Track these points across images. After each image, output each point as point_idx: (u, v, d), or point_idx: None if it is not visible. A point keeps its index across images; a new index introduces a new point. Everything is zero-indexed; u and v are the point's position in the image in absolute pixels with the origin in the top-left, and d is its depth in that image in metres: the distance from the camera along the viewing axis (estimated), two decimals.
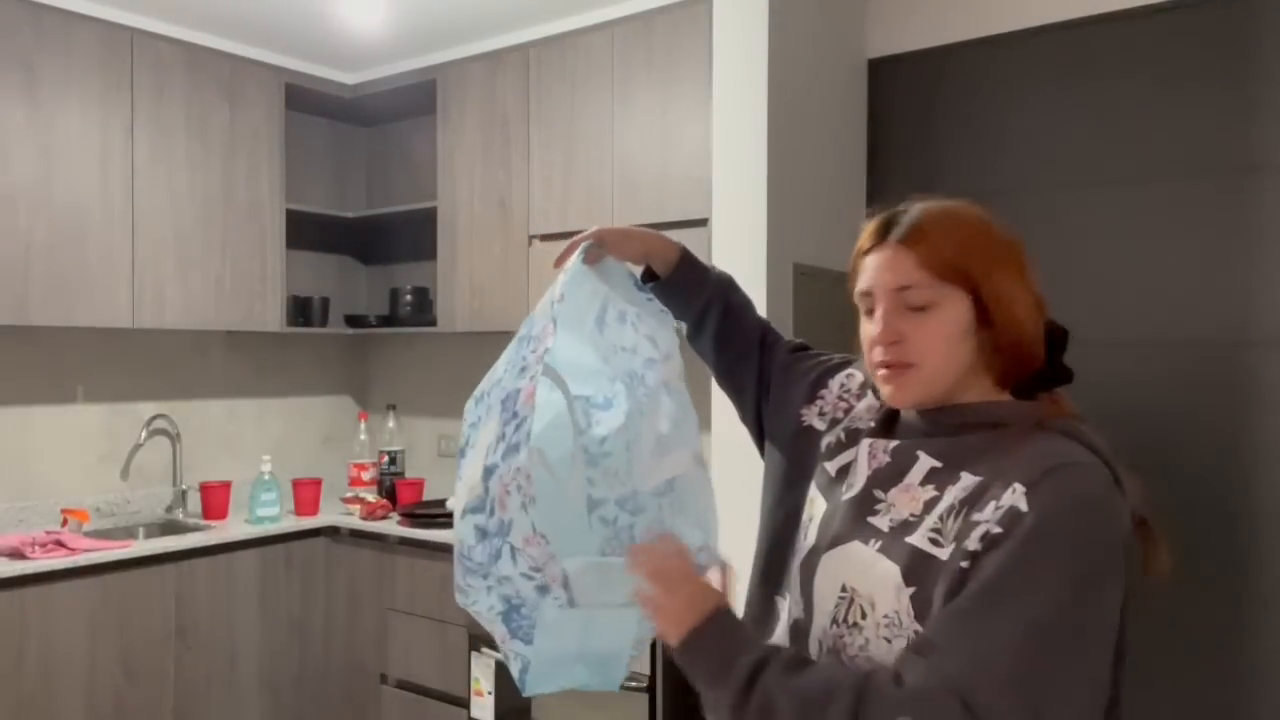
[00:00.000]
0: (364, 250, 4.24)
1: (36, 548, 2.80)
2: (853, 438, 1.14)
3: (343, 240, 4.14)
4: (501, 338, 4.43)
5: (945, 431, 1.04)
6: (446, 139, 3.54)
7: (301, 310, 3.79)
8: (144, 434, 3.46)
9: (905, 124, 2.66)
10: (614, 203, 3.08)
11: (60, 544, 2.88)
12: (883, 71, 2.69)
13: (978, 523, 0.93)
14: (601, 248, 1.25)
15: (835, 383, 1.23)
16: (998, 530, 0.91)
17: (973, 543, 0.92)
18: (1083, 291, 2.39)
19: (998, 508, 0.93)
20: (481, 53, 3.45)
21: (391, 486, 3.67)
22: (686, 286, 1.32)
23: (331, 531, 3.46)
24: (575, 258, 1.21)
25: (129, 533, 3.29)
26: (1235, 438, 2.22)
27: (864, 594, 0.99)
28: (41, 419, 3.25)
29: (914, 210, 1.07)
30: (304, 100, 3.77)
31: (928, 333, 1.01)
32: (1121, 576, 0.92)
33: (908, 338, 1.02)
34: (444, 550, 3.14)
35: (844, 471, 1.12)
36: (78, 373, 3.34)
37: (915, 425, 1.08)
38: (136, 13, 3.17)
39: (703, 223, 2.84)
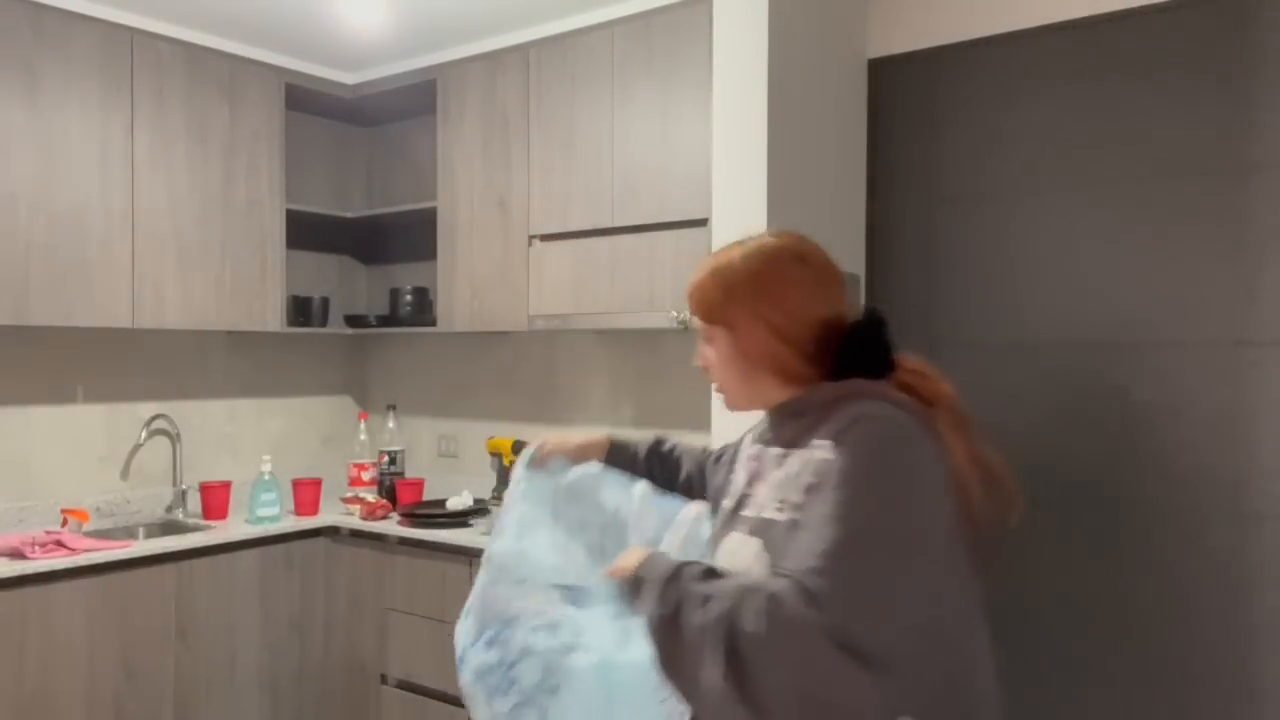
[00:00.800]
0: (364, 250, 4.24)
1: (36, 548, 2.80)
2: (730, 467, 1.43)
3: (343, 240, 4.14)
4: (501, 338, 4.42)
5: (780, 427, 1.29)
6: (446, 139, 3.54)
7: (301, 310, 3.79)
8: (144, 434, 3.46)
9: (905, 124, 2.66)
10: (614, 203, 3.08)
11: (60, 544, 2.88)
12: (883, 71, 2.69)
13: (801, 482, 1.16)
14: (544, 455, 1.57)
15: (737, 449, 1.47)
16: (814, 480, 1.14)
17: (797, 496, 1.16)
18: (1083, 291, 2.39)
19: (813, 464, 1.15)
20: (481, 53, 3.45)
21: (391, 486, 3.67)
22: (620, 469, 1.61)
23: (331, 531, 3.46)
24: (521, 468, 1.50)
25: (129, 533, 3.29)
26: (1235, 437, 2.22)
27: (743, 571, 1.19)
28: (41, 419, 3.25)
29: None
30: (304, 100, 3.77)
31: (715, 361, 1.33)
32: (932, 499, 1.13)
33: (710, 365, 1.34)
34: (444, 550, 3.14)
35: (723, 491, 1.40)
36: (78, 373, 3.34)
37: (765, 430, 1.34)
38: (136, 13, 3.17)
39: (703, 223, 2.84)
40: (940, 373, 1.25)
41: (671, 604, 1.15)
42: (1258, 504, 2.19)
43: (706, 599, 1.12)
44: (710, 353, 1.33)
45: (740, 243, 1.33)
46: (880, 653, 1.02)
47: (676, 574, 1.18)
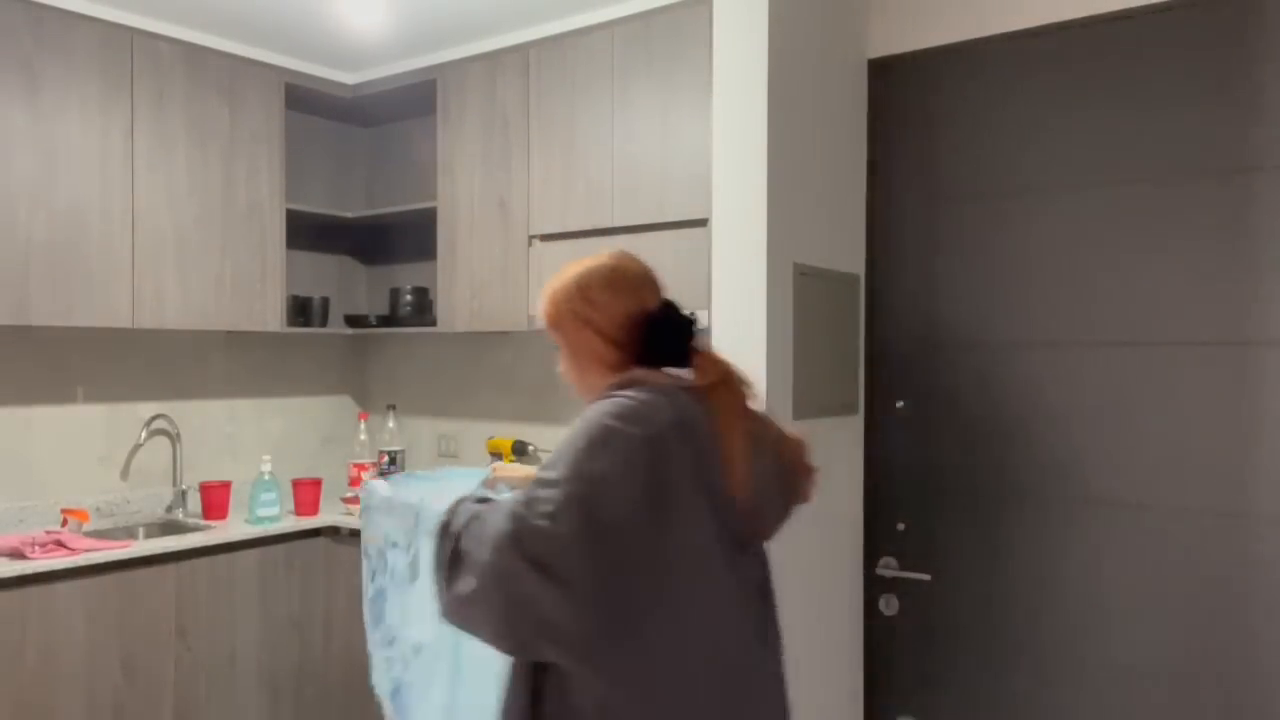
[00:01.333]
0: (364, 250, 4.24)
1: (36, 548, 2.80)
2: None
3: (343, 240, 4.14)
4: (501, 338, 4.42)
5: None
6: (446, 139, 3.54)
7: (301, 310, 3.79)
8: (144, 434, 3.46)
9: (905, 124, 2.66)
10: (614, 203, 3.08)
11: (60, 544, 2.88)
12: (883, 71, 2.69)
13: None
14: (490, 483, 1.72)
15: None
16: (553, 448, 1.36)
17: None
18: (1082, 292, 2.39)
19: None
20: (481, 53, 3.45)
21: None
22: None
23: (331, 531, 3.46)
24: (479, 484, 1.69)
25: (129, 533, 3.29)
26: (1236, 438, 2.22)
27: None
28: (41, 419, 3.25)
29: None
30: (304, 100, 3.77)
31: (562, 362, 1.55)
32: (628, 465, 1.27)
33: (562, 367, 1.56)
34: None
35: None
36: (78, 373, 3.34)
37: None
38: (136, 13, 3.17)
39: (703, 223, 2.84)
40: (721, 359, 1.47)
41: (447, 515, 1.37)
42: (1259, 504, 2.19)
43: (464, 515, 1.35)
44: (560, 357, 1.56)
45: (576, 263, 1.56)
46: (562, 572, 1.21)
47: (467, 498, 1.41)
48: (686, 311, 1.52)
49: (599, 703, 1.28)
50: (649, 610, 1.27)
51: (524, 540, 1.23)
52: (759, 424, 1.44)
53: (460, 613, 1.30)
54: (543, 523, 1.23)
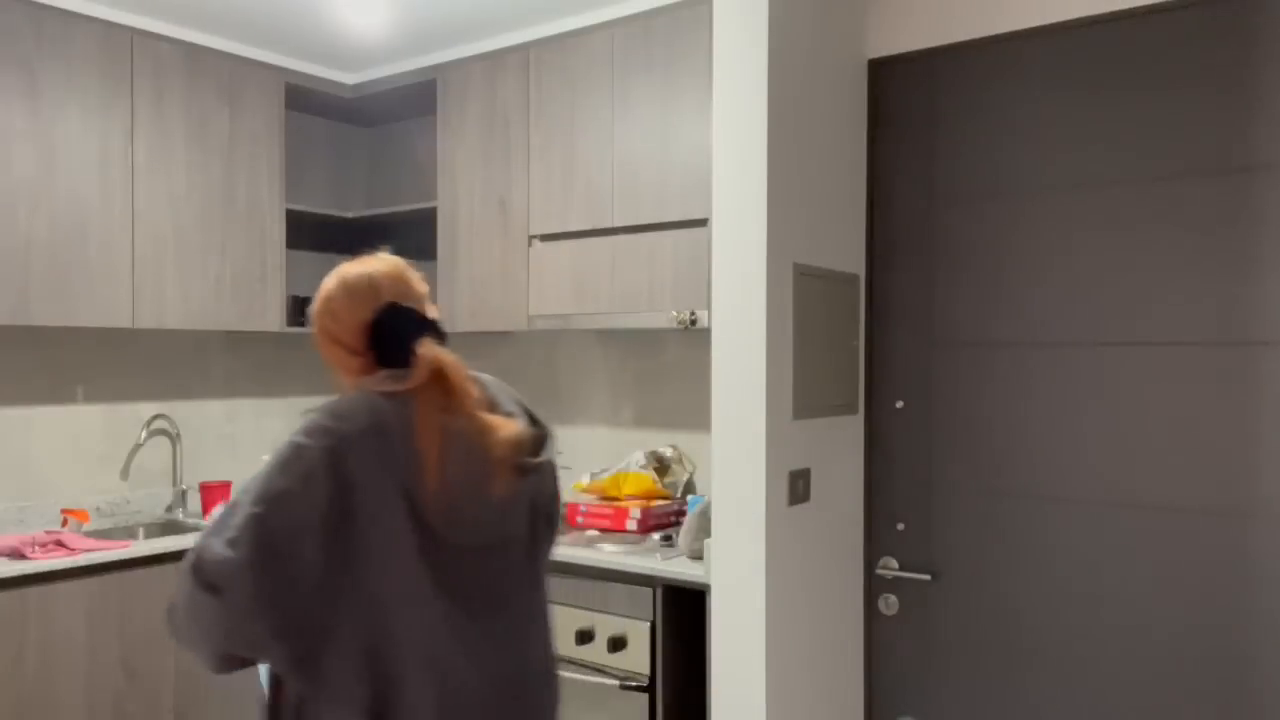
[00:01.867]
0: (364, 250, 4.22)
1: (36, 548, 2.81)
2: None
3: (343, 240, 4.14)
4: (501, 338, 4.41)
5: None
6: (446, 139, 3.54)
7: (301, 310, 3.79)
8: (144, 434, 3.46)
9: (905, 124, 2.66)
10: (614, 203, 3.08)
11: (60, 544, 2.88)
12: (883, 71, 2.69)
13: None
14: None
15: None
16: None
17: None
18: (1082, 291, 2.39)
19: None
20: (481, 53, 3.45)
21: None
22: None
23: None
24: None
25: (129, 533, 3.29)
26: (1236, 438, 2.22)
27: None
28: (41, 419, 3.25)
29: None
30: (304, 100, 3.78)
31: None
32: (310, 473, 1.34)
33: None
34: None
35: None
36: (78, 373, 3.34)
37: None
38: (136, 13, 3.17)
39: (703, 223, 2.84)
40: (435, 357, 1.47)
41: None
42: (1260, 504, 2.19)
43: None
44: None
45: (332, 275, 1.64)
46: (221, 583, 1.30)
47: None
48: (432, 313, 1.58)
49: (311, 705, 1.37)
50: (340, 614, 1.34)
51: (201, 567, 1.32)
52: (469, 420, 1.44)
53: (172, 633, 1.42)
54: (220, 549, 1.31)
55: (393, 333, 1.51)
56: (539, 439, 1.55)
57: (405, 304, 1.55)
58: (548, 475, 1.59)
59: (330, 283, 1.58)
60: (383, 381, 1.45)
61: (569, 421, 3.59)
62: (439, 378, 1.45)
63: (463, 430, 1.43)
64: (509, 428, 1.46)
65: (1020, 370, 2.48)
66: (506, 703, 1.46)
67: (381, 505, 1.36)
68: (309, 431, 1.38)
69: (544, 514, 1.58)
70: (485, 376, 1.59)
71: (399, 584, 1.37)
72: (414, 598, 1.38)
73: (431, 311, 1.59)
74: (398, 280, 1.59)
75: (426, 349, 1.47)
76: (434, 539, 1.39)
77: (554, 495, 1.63)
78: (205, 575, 1.31)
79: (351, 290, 1.55)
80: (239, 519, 1.33)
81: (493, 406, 1.51)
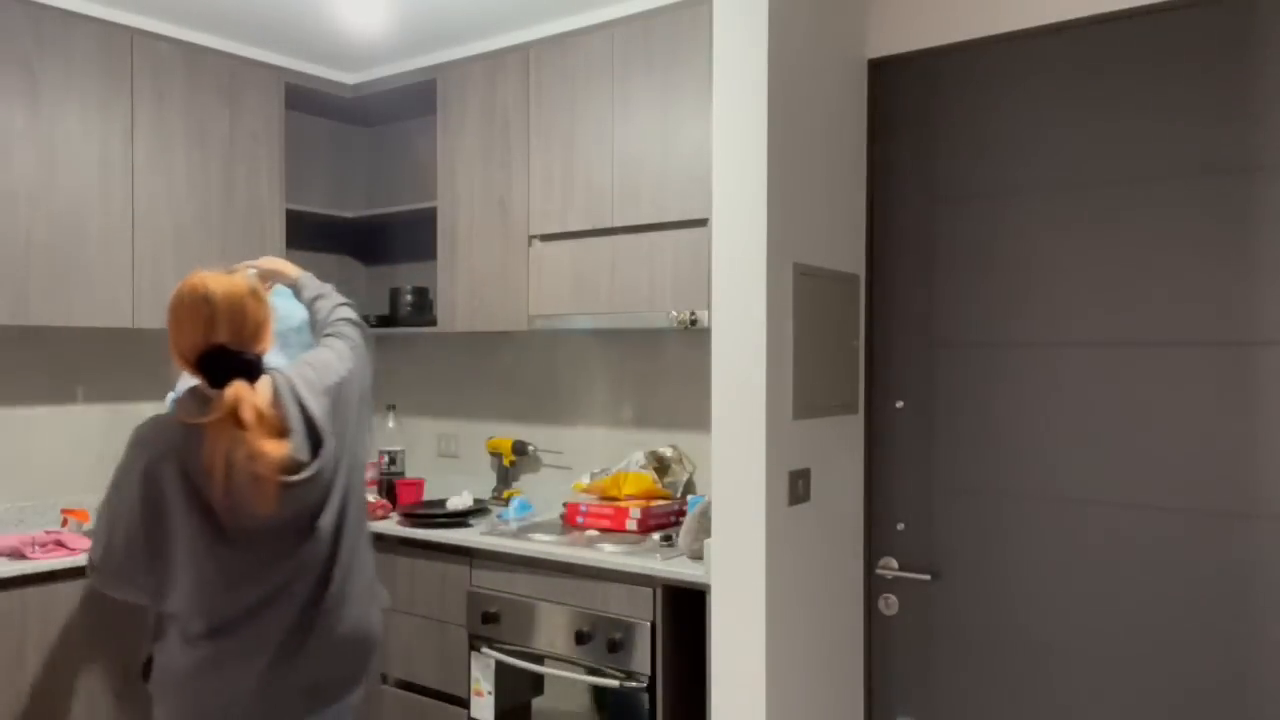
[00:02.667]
0: (364, 250, 4.24)
1: (36, 548, 2.81)
2: None
3: (343, 240, 4.14)
4: (501, 338, 4.40)
5: None
6: (446, 139, 3.54)
7: None
8: None
9: (905, 124, 2.66)
10: (614, 203, 3.08)
11: (60, 544, 2.88)
12: (883, 71, 2.69)
13: None
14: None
15: None
16: None
17: None
18: (1082, 291, 2.39)
19: None
20: (481, 53, 3.45)
21: (391, 486, 3.68)
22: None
23: None
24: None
25: None
26: (1236, 438, 2.22)
27: None
28: (41, 419, 3.25)
29: None
30: (304, 100, 3.78)
31: None
32: (128, 480, 1.85)
33: None
34: (444, 550, 3.14)
35: None
36: (78, 373, 3.34)
37: None
38: (136, 13, 3.17)
39: (703, 223, 2.84)
40: (235, 398, 1.81)
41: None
42: (1260, 504, 2.19)
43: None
44: None
45: None
46: (97, 562, 1.89)
47: None
48: (258, 348, 1.90)
49: (160, 651, 1.91)
50: (162, 580, 1.86)
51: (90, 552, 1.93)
52: (247, 447, 1.80)
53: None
54: (96, 530, 1.92)
55: (212, 371, 1.84)
56: (301, 462, 1.88)
57: (231, 345, 1.85)
58: (318, 482, 1.91)
59: (182, 290, 1.86)
60: (190, 411, 1.83)
61: (569, 421, 3.59)
62: (235, 414, 1.80)
63: (242, 455, 1.79)
64: (278, 452, 1.82)
65: (1021, 370, 2.48)
66: (291, 663, 1.90)
67: (180, 506, 1.82)
68: (134, 444, 1.87)
69: (318, 509, 1.94)
70: (289, 383, 1.92)
71: (195, 566, 1.84)
72: (206, 576, 1.85)
73: (260, 344, 1.90)
74: (234, 316, 1.86)
75: (231, 391, 1.82)
76: (222, 529, 1.83)
77: (327, 493, 1.95)
78: (91, 558, 1.91)
79: (192, 313, 1.85)
80: (102, 503, 1.92)
81: (282, 429, 1.85)
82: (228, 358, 1.84)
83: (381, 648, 2.31)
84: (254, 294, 1.90)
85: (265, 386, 1.87)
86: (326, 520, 1.94)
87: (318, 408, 1.93)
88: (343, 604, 1.97)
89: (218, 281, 1.85)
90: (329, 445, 1.92)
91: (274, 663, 1.88)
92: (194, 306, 1.83)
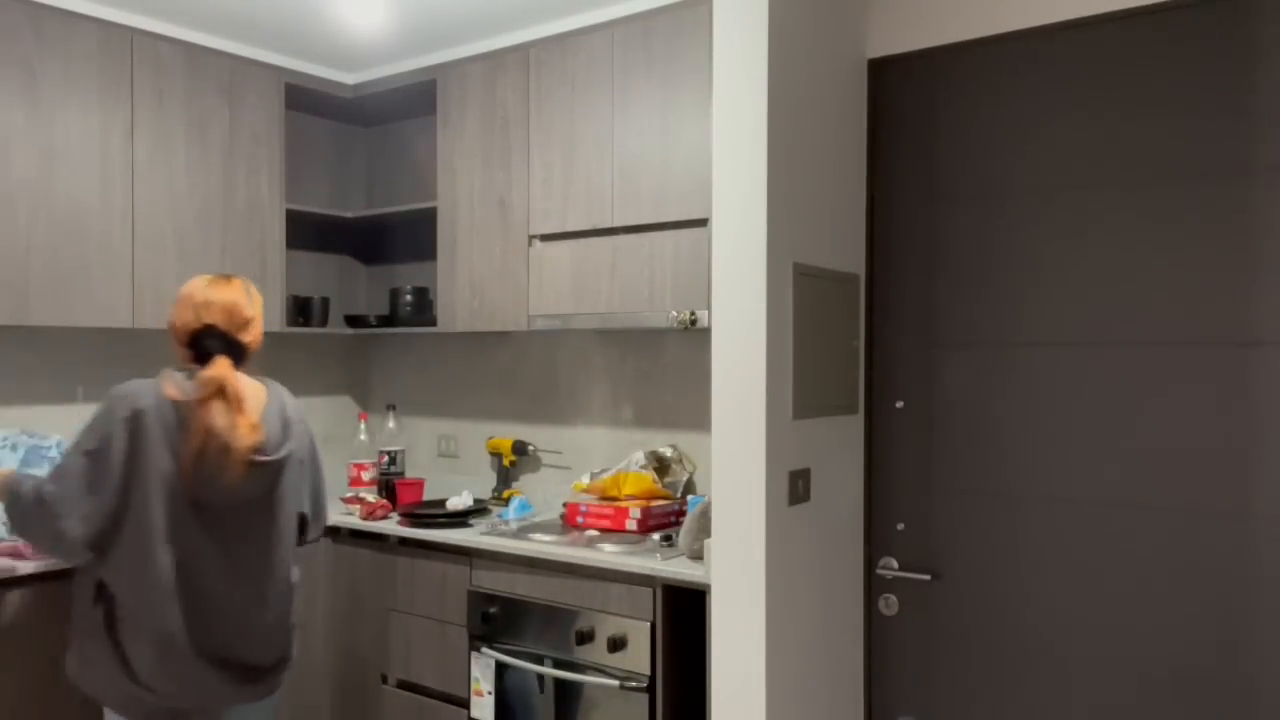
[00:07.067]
0: (364, 250, 4.24)
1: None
2: None
3: (343, 240, 4.14)
4: (501, 338, 4.40)
5: None
6: (446, 139, 3.54)
7: (301, 310, 3.79)
8: None
9: (905, 124, 2.66)
10: (614, 203, 3.08)
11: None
12: (883, 71, 2.69)
13: None
14: None
15: None
16: None
17: None
18: (1082, 292, 2.39)
19: None
20: (481, 53, 3.45)
21: (391, 486, 3.68)
22: None
23: (332, 531, 3.45)
24: None
25: None
26: (1236, 438, 2.22)
27: None
28: (41, 419, 3.25)
29: None
30: (304, 100, 3.78)
31: None
32: (101, 436, 2.14)
33: None
34: (444, 550, 3.14)
35: None
36: (78, 373, 3.34)
37: None
38: (136, 13, 3.17)
39: (703, 223, 2.84)
40: (215, 380, 2.20)
41: (13, 486, 2.22)
42: (1260, 504, 2.19)
43: (22, 481, 2.23)
44: None
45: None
46: (52, 505, 2.11)
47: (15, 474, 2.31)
48: (248, 336, 2.32)
49: (109, 600, 2.19)
50: (123, 535, 2.13)
51: (41, 497, 2.15)
52: (225, 419, 2.17)
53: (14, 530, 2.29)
54: (50, 486, 2.14)
55: (203, 347, 2.26)
56: (272, 443, 2.28)
57: (222, 328, 2.26)
58: (290, 465, 2.35)
59: (190, 287, 2.33)
60: (179, 386, 2.17)
61: (569, 421, 3.59)
62: (218, 395, 2.16)
63: (220, 428, 2.15)
64: (252, 432, 2.19)
65: (1021, 370, 2.48)
66: (243, 616, 2.31)
67: (151, 468, 2.12)
68: (113, 398, 2.15)
69: (278, 490, 2.32)
70: (270, 390, 2.37)
71: (161, 528, 2.15)
72: (174, 536, 2.16)
73: (250, 333, 2.32)
74: (229, 309, 2.30)
75: (214, 368, 2.20)
76: (188, 495, 2.16)
77: (278, 479, 2.33)
78: (43, 496, 2.12)
79: (195, 304, 2.29)
80: (65, 468, 2.14)
81: (254, 414, 2.22)
82: (217, 336, 2.25)
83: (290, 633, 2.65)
84: (247, 291, 2.34)
85: (257, 384, 2.29)
86: (276, 506, 2.31)
87: (295, 413, 2.40)
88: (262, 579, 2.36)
89: (218, 279, 2.35)
90: (298, 441, 2.37)
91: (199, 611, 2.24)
92: (193, 301, 2.29)
